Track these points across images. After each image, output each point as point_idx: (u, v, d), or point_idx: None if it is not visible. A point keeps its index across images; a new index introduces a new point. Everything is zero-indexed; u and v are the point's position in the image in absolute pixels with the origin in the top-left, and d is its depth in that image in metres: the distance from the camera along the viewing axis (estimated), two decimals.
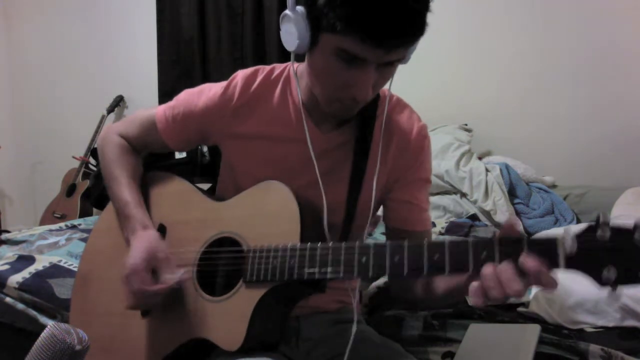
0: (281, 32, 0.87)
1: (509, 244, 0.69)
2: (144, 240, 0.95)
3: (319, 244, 0.82)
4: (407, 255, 0.75)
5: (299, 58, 0.93)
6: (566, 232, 0.67)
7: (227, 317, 0.87)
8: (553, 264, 0.67)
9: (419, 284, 0.94)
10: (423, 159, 1.02)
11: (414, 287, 0.96)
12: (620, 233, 0.64)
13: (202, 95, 1.02)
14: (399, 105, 1.03)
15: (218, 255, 0.92)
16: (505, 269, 0.67)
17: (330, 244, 0.81)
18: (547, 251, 0.67)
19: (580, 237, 0.66)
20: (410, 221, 1.01)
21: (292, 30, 0.84)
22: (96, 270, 1.07)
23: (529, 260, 0.66)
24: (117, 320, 0.99)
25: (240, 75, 1.01)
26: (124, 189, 1.02)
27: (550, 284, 0.67)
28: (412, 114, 1.03)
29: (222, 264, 0.92)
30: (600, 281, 0.65)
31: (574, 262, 0.66)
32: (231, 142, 1.02)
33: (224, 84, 1.02)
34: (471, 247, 0.71)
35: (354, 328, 0.87)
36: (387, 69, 0.85)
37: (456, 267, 0.72)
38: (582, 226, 0.67)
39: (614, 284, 0.64)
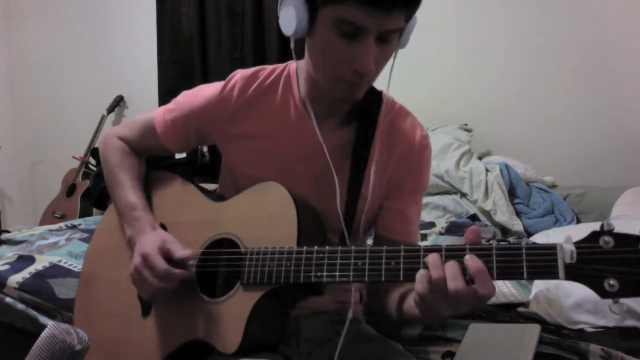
0: (280, 20, 0.86)
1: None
2: (154, 235, 0.95)
3: (315, 248, 0.81)
4: (403, 260, 0.74)
5: (298, 54, 0.93)
6: (567, 239, 0.64)
7: (225, 319, 0.87)
8: (552, 273, 0.64)
9: (393, 302, 0.93)
10: (421, 169, 1.02)
11: (388, 305, 0.95)
12: (625, 242, 0.61)
13: (199, 96, 1.02)
14: (402, 112, 1.02)
15: (217, 256, 0.92)
16: (452, 264, 0.69)
17: (327, 247, 0.81)
18: (546, 260, 0.65)
19: (581, 245, 0.63)
20: (396, 230, 1.00)
21: (290, 12, 0.83)
22: (99, 271, 1.07)
23: (471, 260, 0.67)
24: (118, 321, 0.99)
25: (239, 75, 1.01)
26: (130, 192, 1.02)
27: (487, 289, 0.67)
28: (415, 122, 1.02)
29: (220, 265, 0.92)
30: (602, 293, 0.61)
31: (574, 273, 0.63)
32: (230, 143, 1.02)
33: (221, 83, 1.01)
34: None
35: (349, 315, 0.86)
36: (386, 45, 0.84)
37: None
38: (584, 233, 0.63)
39: (616, 296, 0.61)
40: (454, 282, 0.67)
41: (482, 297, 0.67)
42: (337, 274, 0.79)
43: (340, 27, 0.80)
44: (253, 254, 0.86)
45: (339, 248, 0.80)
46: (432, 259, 0.71)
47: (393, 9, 0.78)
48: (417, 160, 1.01)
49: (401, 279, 0.74)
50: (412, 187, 1.01)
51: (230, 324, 0.85)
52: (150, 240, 0.93)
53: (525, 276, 0.66)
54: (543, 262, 0.65)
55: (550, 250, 0.65)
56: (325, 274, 0.79)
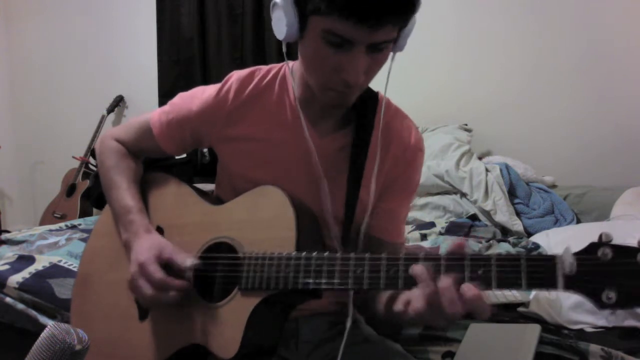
0: (272, 23, 0.87)
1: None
2: (149, 240, 0.93)
3: (314, 254, 0.80)
4: (403, 268, 0.73)
5: (293, 55, 0.93)
6: (566, 251, 0.64)
7: (223, 324, 0.86)
8: (551, 284, 0.64)
9: (382, 300, 0.92)
10: (414, 171, 1.02)
11: (376, 303, 0.94)
12: (623, 253, 0.61)
13: (195, 98, 1.01)
14: (398, 114, 1.02)
15: (214, 260, 0.91)
16: (448, 288, 0.67)
17: (326, 254, 0.80)
18: (545, 270, 0.65)
19: (580, 256, 0.63)
20: (388, 231, 1.00)
21: (281, 16, 0.83)
22: (95, 273, 1.06)
23: (468, 289, 0.66)
24: (116, 323, 0.99)
25: (235, 76, 1.00)
26: (125, 195, 1.01)
27: (483, 315, 0.67)
28: (411, 124, 1.03)
29: (218, 270, 0.91)
30: (600, 305, 0.62)
31: (573, 283, 0.63)
32: (226, 146, 1.01)
33: (217, 85, 1.00)
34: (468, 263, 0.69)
35: (349, 322, 0.86)
36: (378, 54, 0.83)
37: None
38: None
39: (614, 308, 0.61)
40: (453, 307, 0.67)
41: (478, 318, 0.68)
42: (335, 281, 0.78)
43: (328, 38, 0.80)
44: (251, 259, 0.85)
45: (338, 255, 0.79)
46: (420, 275, 0.70)
47: (380, 24, 0.78)
48: (410, 163, 1.00)
49: (400, 287, 0.73)
50: (404, 188, 1.02)
51: (229, 330, 0.84)
52: (145, 246, 0.91)
53: (523, 287, 0.66)
54: (542, 274, 0.65)
55: (549, 261, 0.65)
56: (323, 280, 0.79)
